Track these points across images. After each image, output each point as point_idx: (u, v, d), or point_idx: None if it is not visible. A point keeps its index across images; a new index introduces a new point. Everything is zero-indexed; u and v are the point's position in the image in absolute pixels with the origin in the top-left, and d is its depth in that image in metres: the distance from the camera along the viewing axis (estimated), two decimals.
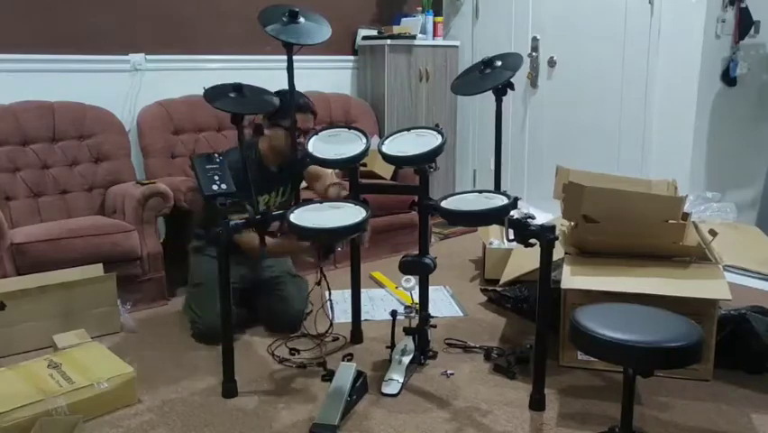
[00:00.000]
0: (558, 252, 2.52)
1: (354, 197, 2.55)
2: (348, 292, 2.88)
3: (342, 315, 3.06)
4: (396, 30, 4.59)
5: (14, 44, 3.42)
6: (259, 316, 3.01)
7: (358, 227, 2.19)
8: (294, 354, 2.70)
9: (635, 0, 4.10)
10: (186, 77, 3.85)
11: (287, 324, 2.93)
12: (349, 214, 2.25)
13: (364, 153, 2.42)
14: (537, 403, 2.29)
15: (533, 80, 4.65)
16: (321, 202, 2.45)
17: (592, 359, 2.39)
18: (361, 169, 2.62)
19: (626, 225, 2.62)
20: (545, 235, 2.18)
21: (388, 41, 4.48)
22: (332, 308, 2.80)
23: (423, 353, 2.62)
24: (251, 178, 2.42)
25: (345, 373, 2.31)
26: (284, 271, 3.07)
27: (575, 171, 3.06)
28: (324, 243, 2.36)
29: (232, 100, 2.41)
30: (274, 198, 2.98)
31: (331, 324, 2.83)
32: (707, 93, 4.08)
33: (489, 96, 2.50)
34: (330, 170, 3.01)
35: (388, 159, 2.44)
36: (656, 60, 4.06)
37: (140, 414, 2.29)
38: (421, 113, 4.66)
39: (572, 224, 2.78)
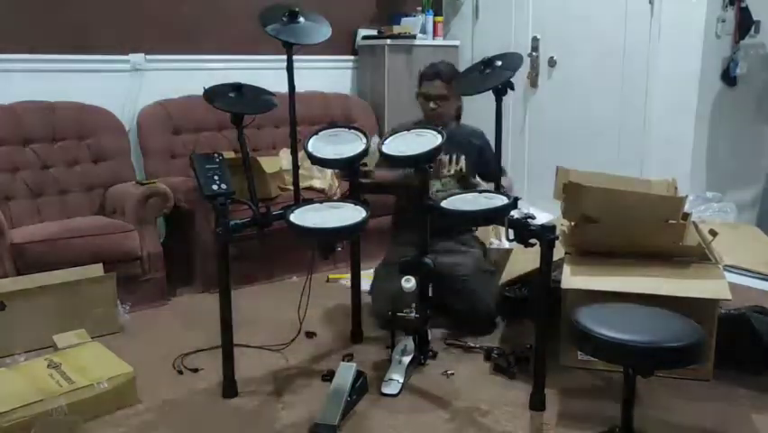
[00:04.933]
0: (558, 252, 2.52)
1: (354, 197, 2.55)
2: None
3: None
4: (396, 30, 4.59)
5: (15, 44, 3.42)
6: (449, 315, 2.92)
7: (358, 227, 2.19)
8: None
9: (635, 0, 4.10)
10: (186, 77, 3.84)
11: (478, 328, 2.87)
12: (349, 214, 2.25)
13: (364, 153, 2.42)
14: (537, 403, 2.29)
15: (533, 80, 4.65)
16: (321, 202, 2.45)
17: (592, 359, 2.38)
18: (362, 169, 2.62)
19: (626, 225, 2.62)
20: (545, 235, 2.18)
21: (388, 41, 4.48)
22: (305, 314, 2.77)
23: (423, 353, 2.62)
24: None
25: (345, 373, 2.31)
26: (473, 269, 2.91)
27: (575, 171, 3.05)
28: (324, 243, 2.36)
29: (232, 100, 2.42)
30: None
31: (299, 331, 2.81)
32: (707, 93, 4.08)
33: (489, 96, 2.50)
34: (330, 171, 3.02)
35: (388, 159, 2.44)
36: (656, 61, 4.06)
37: (140, 414, 2.29)
38: (421, 113, 4.65)
39: (572, 224, 2.78)
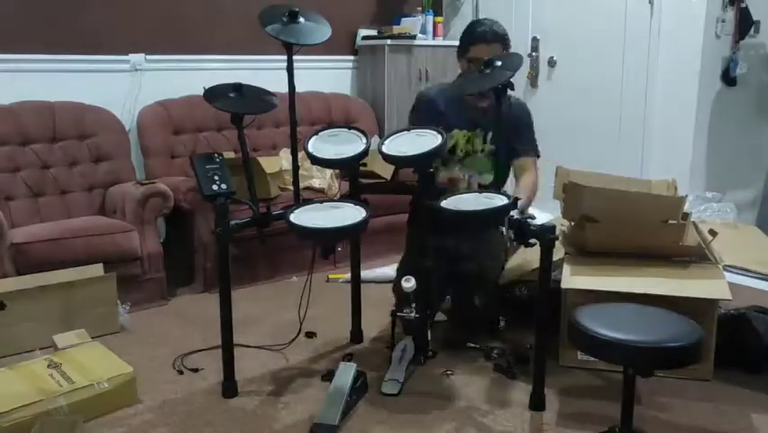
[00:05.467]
0: (558, 252, 2.52)
1: (354, 197, 2.55)
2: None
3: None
4: (396, 30, 4.59)
5: (14, 44, 3.42)
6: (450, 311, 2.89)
7: (358, 227, 2.19)
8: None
9: (634, 0, 4.10)
10: (186, 77, 3.85)
11: (476, 322, 2.85)
12: (349, 214, 2.25)
13: (364, 153, 2.42)
14: (537, 403, 2.29)
15: (533, 80, 4.65)
16: (321, 202, 2.45)
17: (592, 359, 2.39)
18: (361, 169, 2.62)
19: (626, 225, 2.62)
20: (545, 235, 2.18)
21: (388, 41, 4.48)
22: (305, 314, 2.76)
23: (423, 353, 2.62)
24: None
25: (345, 373, 2.31)
26: (487, 258, 2.82)
27: (575, 171, 3.05)
28: (324, 243, 2.37)
29: (232, 100, 2.42)
30: (468, 140, 2.71)
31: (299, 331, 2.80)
32: (707, 93, 4.08)
33: None
34: (330, 171, 3.00)
35: (388, 159, 2.44)
36: (656, 60, 4.06)
37: (140, 414, 2.29)
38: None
39: (572, 224, 2.78)
